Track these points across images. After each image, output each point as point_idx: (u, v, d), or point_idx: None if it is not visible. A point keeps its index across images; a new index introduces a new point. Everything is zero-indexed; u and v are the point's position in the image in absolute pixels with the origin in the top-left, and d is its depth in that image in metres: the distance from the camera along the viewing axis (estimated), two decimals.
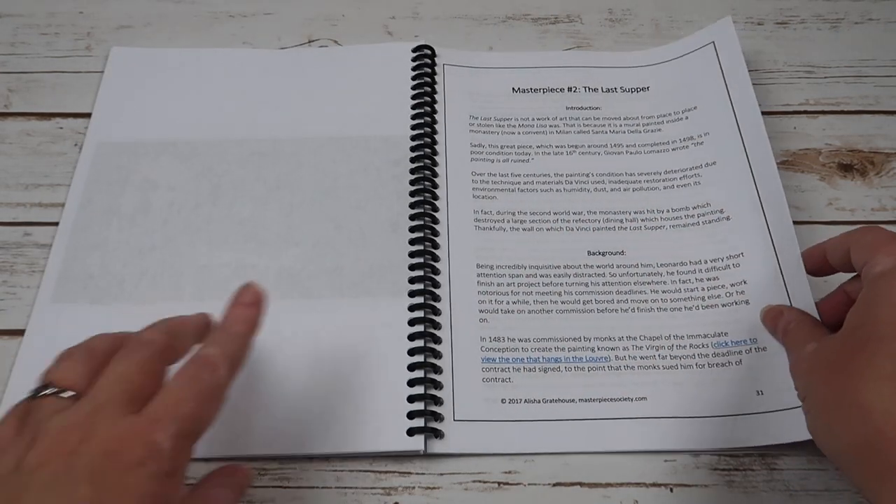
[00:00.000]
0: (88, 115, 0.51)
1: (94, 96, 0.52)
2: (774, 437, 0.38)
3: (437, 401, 0.40)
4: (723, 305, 0.43)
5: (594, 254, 0.45)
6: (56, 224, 0.46)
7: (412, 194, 0.47)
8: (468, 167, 0.48)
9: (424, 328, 0.42)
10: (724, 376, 0.40)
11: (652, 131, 0.50)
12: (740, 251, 0.44)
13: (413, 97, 0.51)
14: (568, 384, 0.41)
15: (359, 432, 0.39)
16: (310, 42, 0.56)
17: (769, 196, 0.45)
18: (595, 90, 0.52)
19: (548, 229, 0.46)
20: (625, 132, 0.50)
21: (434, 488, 0.38)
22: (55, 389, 0.28)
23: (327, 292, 0.43)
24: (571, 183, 0.48)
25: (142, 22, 0.56)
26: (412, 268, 0.44)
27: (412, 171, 0.48)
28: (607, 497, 0.38)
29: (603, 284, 0.44)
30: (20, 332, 0.42)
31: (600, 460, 0.39)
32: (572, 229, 0.46)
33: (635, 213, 0.47)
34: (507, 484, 0.38)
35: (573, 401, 0.40)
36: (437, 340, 0.42)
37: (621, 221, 0.46)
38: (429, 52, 0.53)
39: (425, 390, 0.40)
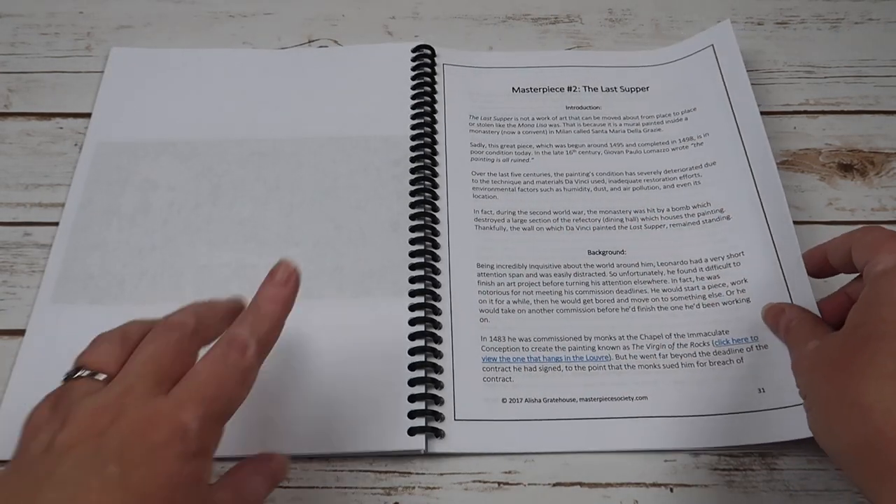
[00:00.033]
0: (88, 115, 0.51)
1: (94, 96, 0.52)
2: (776, 434, 0.38)
3: (438, 400, 0.40)
4: (723, 304, 0.43)
5: (594, 253, 0.45)
6: (56, 224, 0.46)
7: (412, 194, 0.47)
8: (468, 167, 0.49)
9: (425, 328, 0.42)
10: (725, 374, 0.40)
11: (652, 131, 0.50)
12: (740, 250, 0.44)
13: (413, 97, 0.51)
14: (568, 383, 0.40)
15: (359, 432, 0.39)
16: (310, 42, 0.56)
17: (769, 195, 0.45)
18: (595, 90, 0.52)
19: (548, 229, 0.46)
20: (625, 132, 0.50)
21: (434, 488, 0.38)
22: (88, 372, 0.28)
23: (328, 292, 0.43)
24: (571, 182, 0.48)
25: (142, 22, 0.56)
26: (412, 267, 0.44)
27: (412, 171, 0.48)
28: (607, 497, 0.38)
29: (603, 284, 0.44)
30: (20, 332, 0.42)
31: (600, 460, 0.39)
32: (572, 229, 0.46)
33: (635, 212, 0.47)
34: (507, 484, 0.38)
35: (574, 400, 0.40)
36: (438, 340, 0.42)
37: (621, 221, 0.46)
38: (429, 52, 0.53)
39: (426, 390, 0.40)
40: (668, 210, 0.47)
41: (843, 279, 0.39)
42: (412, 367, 0.41)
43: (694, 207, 0.46)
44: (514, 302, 0.43)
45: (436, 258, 0.45)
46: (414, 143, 0.49)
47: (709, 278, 0.44)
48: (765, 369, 0.40)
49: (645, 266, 0.44)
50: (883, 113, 0.52)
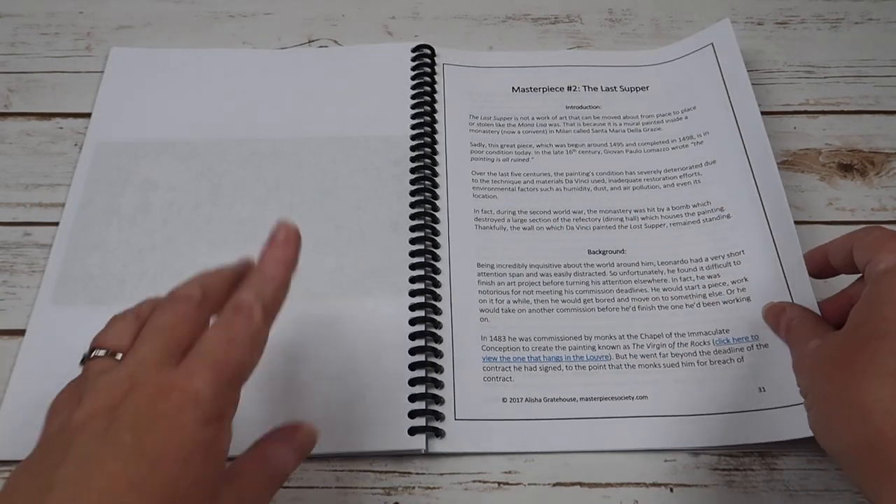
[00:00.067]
0: (88, 115, 0.51)
1: (94, 96, 0.52)
2: (776, 434, 0.38)
3: (438, 400, 0.40)
4: (724, 303, 0.43)
5: (594, 252, 0.45)
6: (56, 224, 0.46)
7: (412, 194, 0.47)
8: (468, 166, 0.49)
9: (425, 327, 0.42)
10: (725, 373, 0.40)
11: (651, 130, 0.50)
12: (741, 248, 0.44)
13: (413, 97, 0.51)
14: (569, 383, 0.40)
15: (359, 432, 0.39)
16: (310, 42, 0.56)
17: (769, 194, 0.45)
18: (595, 89, 0.52)
19: (548, 228, 0.46)
20: (624, 131, 0.50)
21: (434, 488, 0.38)
22: (103, 352, 0.29)
23: (328, 292, 0.43)
24: (571, 182, 0.48)
25: (142, 22, 0.56)
26: (412, 267, 0.44)
27: (412, 171, 0.48)
28: (607, 497, 0.38)
29: (603, 283, 0.44)
30: (20, 332, 0.42)
31: (600, 460, 0.39)
32: (572, 228, 0.46)
33: (635, 211, 0.47)
34: (507, 484, 0.38)
35: (574, 400, 0.40)
36: (438, 339, 0.42)
37: (621, 220, 0.46)
38: (429, 52, 0.53)
39: (426, 389, 0.40)
40: (669, 209, 0.47)
41: (844, 280, 0.39)
42: (412, 366, 0.41)
43: (694, 206, 0.46)
44: (515, 301, 0.43)
45: (436, 258, 0.45)
46: (414, 142, 0.49)
47: (709, 277, 0.44)
48: (765, 368, 0.40)
49: (645, 265, 0.44)
50: (883, 113, 0.52)
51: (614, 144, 0.50)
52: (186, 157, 0.49)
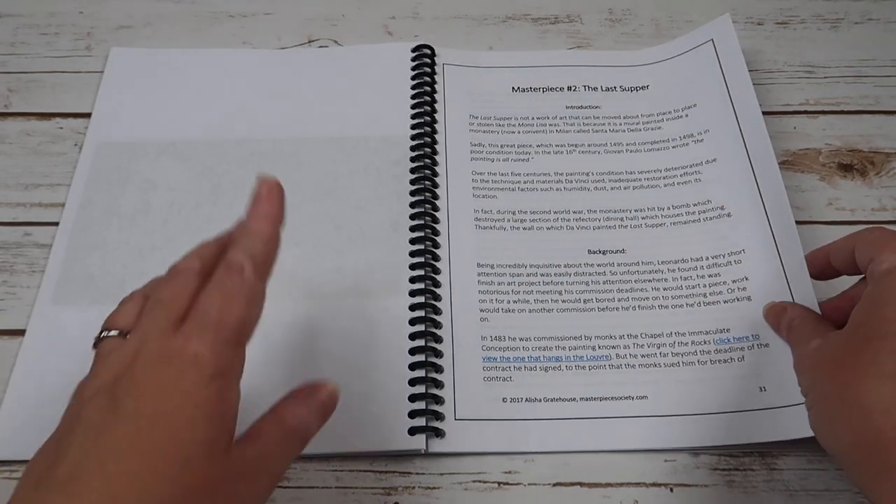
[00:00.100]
0: (88, 115, 0.51)
1: (94, 96, 0.52)
2: (777, 433, 0.38)
3: (438, 400, 0.40)
4: (724, 302, 0.43)
5: (595, 252, 0.45)
6: (56, 224, 0.46)
7: (412, 194, 0.47)
8: (468, 166, 0.48)
9: (425, 327, 0.42)
10: (726, 373, 0.40)
11: (652, 129, 0.50)
12: (741, 248, 0.44)
13: (413, 97, 0.51)
14: (569, 383, 0.40)
15: (360, 432, 0.39)
16: (310, 42, 0.56)
17: (770, 192, 0.45)
18: (595, 89, 0.52)
19: (548, 228, 0.46)
20: (625, 131, 0.50)
21: (434, 488, 0.38)
22: (115, 332, 0.29)
23: (328, 292, 0.43)
24: (571, 182, 0.48)
25: (142, 22, 0.56)
26: (413, 267, 0.44)
27: (412, 171, 0.48)
28: (607, 497, 0.38)
29: (604, 283, 0.44)
30: (20, 332, 0.42)
31: (600, 460, 0.39)
32: (573, 228, 0.46)
33: (636, 210, 0.47)
34: (507, 484, 0.38)
35: (574, 400, 0.40)
36: (438, 339, 0.42)
37: (622, 220, 0.46)
38: (429, 51, 0.53)
39: (426, 389, 0.40)
40: (669, 208, 0.47)
41: (846, 282, 0.39)
42: (412, 366, 0.41)
43: (695, 205, 0.46)
44: (515, 301, 0.43)
45: (436, 258, 0.45)
46: (414, 142, 0.49)
47: (710, 276, 0.44)
48: (766, 368, 0.40)
49: (645, 265, 0.44)
50: (883, 113, 0.52)
51: (614, 144, 0.50)
52: (186, 157, 0.49)
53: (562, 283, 0.44)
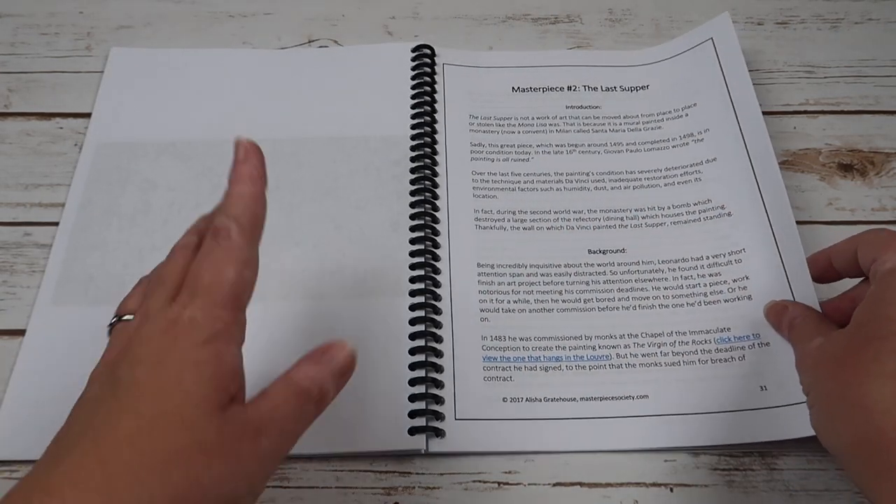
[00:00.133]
0: (88, 115, 0.51)
1: (94, 96, 0.52)
2: (778, 433, 0.38)
3: (439, 400, 0.40)
4: (725, 301, 0.43)
5: (595, 252, 0.45)
6: (56, 224, 0.46)
7: (412, 194, 0.47)
8: (468, 166, 0.48)
9: (425, 327, 0.42)
10: (727, 372, 0.40)
11: (652, 129, 0.50)
12: (742, 247, 0.44)
13: (413, 97, 0.51)
14: (569, 383, 0.40)
15: (360, 432, 0.39)
16: (310, 42, 0.56)
17: (770, 191, 0.45)
18: (595, 89, 0.52)
19: (548, 228, 0.46)
20: (625, 130, 0.50)
21: (434, 488, 0.38)
22: (128, 317, 0.30)
23: (328, 292, 0.43)
24: (572, 182, 0.48)
25: (142, 22, 0.56)
26: (413, 267, 0.44)
27: (412, 171, 0.48)
28: (607, 497, 0.38)
29: (604, 283, 0.44)
30: (20, 333, 0.42)
31: (600, 460, 0.39)
32: (573, 228, 0.46)
33: (636, 210, 0.47)
34: (507, 484, 0.38)
35: (574, 399, 0.40)
36: (438, 339, 0.42)
37: (622, 219, 0.46)
38: (429, 51, 0.53)
39: (426, 389, 0.40)
40: (669, 208, 0.47)
41: (846, 285, 0.39)
42: (412, 366, 0.41)
43: (695, 204, 0.46)
44: (515, 301, 0.43)
45: (436, 258, 0.45)
46: (414, 142, 0.49)
47: (710, 276, 0.44)
48: (767, 367, 0.40)
49: (646, 264, 0.44)
50: (883, 113, 0.52)
51: (614, 144, 0.50)
52: (186, 157, 0.49)
53: (562, 282, 0.44)
